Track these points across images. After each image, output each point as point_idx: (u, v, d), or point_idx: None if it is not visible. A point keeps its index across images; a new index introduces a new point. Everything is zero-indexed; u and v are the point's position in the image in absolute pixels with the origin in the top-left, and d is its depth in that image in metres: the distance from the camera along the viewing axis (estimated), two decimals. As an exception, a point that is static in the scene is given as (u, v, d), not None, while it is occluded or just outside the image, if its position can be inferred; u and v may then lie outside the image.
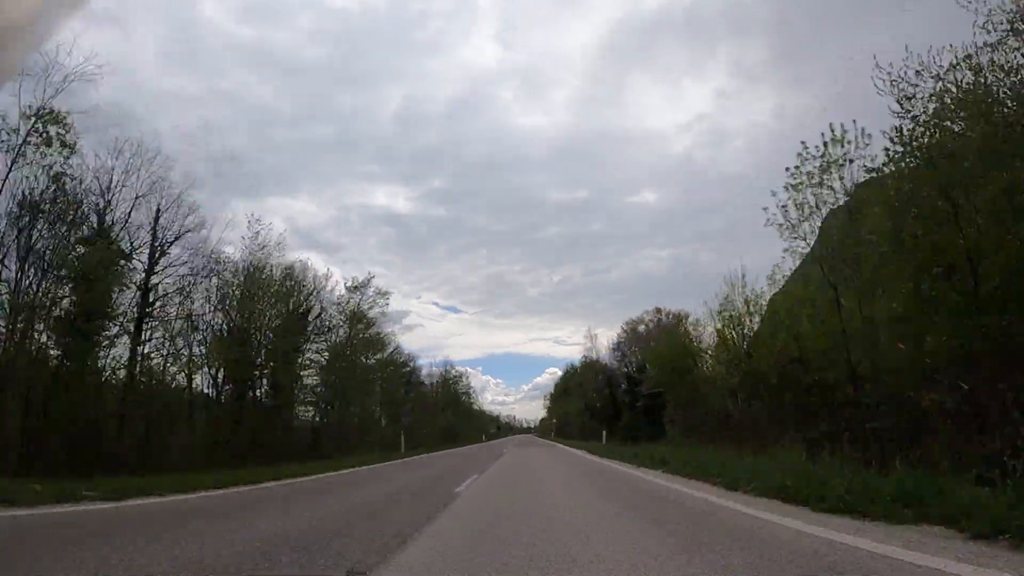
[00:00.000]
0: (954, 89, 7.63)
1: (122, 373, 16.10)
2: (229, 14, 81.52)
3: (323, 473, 13.13)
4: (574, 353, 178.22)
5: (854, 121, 9.82)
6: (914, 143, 8.17)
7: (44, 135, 13.56)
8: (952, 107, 7.69)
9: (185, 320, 17.95)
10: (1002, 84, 7.25)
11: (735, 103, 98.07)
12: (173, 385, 18.41)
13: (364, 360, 29.40)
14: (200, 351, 18.67)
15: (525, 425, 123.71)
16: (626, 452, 16.87)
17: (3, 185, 13.15)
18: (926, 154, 7.93)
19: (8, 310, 13.33)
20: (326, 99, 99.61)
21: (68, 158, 14.19)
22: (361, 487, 9.92)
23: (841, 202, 10.11)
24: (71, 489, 7.33)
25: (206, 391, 19.55)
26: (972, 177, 7.18)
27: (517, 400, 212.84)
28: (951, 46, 7.57)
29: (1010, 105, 7.13)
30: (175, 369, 18.09)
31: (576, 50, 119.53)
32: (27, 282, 13.83)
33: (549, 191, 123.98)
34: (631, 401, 33.25)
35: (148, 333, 16.96)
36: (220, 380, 19.37)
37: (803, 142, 10.24)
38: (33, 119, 13.30)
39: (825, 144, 10.00)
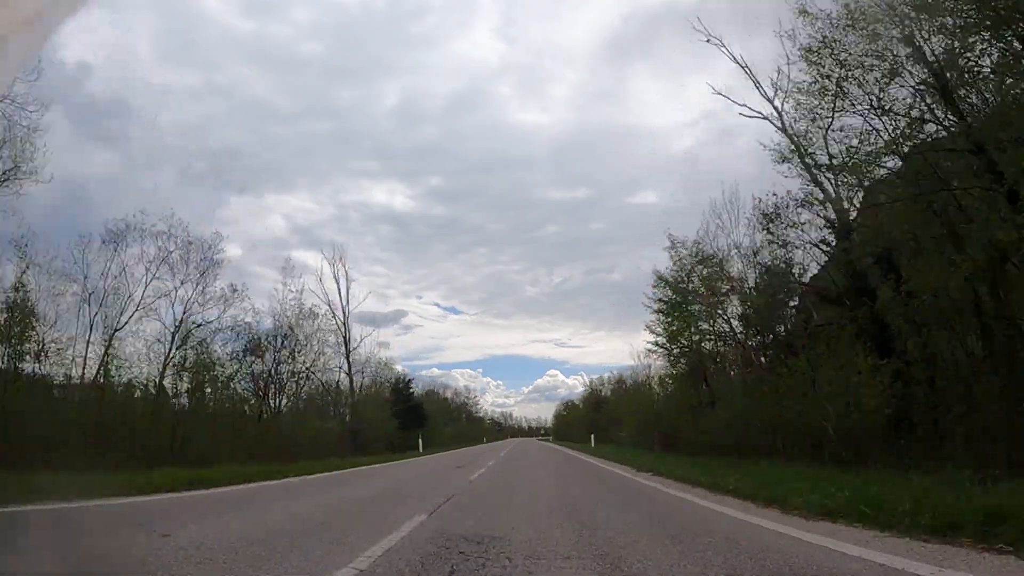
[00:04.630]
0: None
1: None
2: (226, 7, 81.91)
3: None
4: (575, 355, 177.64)
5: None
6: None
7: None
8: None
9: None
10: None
11: (740, 101, 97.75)
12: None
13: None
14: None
15: (526, 424, 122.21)
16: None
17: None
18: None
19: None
20: (324, 94, 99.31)
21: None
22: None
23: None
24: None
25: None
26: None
27: (517, 402, 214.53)
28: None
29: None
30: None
31: (578, 46, 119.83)
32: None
33: (549, 190, 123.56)
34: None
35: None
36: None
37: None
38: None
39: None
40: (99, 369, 16.55)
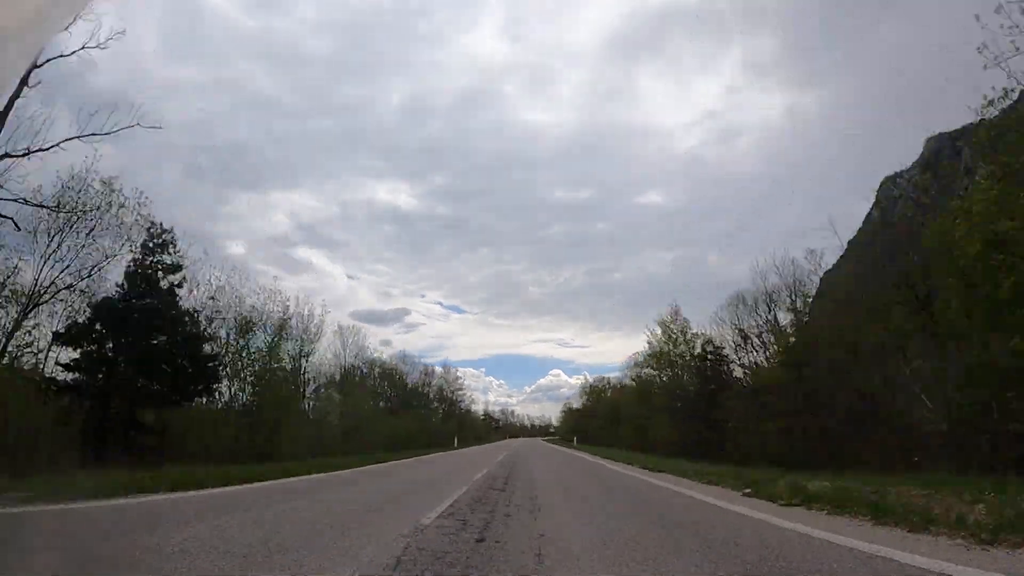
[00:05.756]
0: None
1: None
2: (232, 3, 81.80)
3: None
4: (577, 355, 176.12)
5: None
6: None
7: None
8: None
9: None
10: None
11: (745, 100, 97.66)
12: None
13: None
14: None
15: (528, 423, 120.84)
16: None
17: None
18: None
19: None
20: (330, 91, 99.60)
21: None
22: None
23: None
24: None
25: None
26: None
27: (520, 401, 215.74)
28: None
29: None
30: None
31: (582, 44, 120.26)
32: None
33: (554, 190, 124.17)
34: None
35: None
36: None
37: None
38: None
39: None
40: None
